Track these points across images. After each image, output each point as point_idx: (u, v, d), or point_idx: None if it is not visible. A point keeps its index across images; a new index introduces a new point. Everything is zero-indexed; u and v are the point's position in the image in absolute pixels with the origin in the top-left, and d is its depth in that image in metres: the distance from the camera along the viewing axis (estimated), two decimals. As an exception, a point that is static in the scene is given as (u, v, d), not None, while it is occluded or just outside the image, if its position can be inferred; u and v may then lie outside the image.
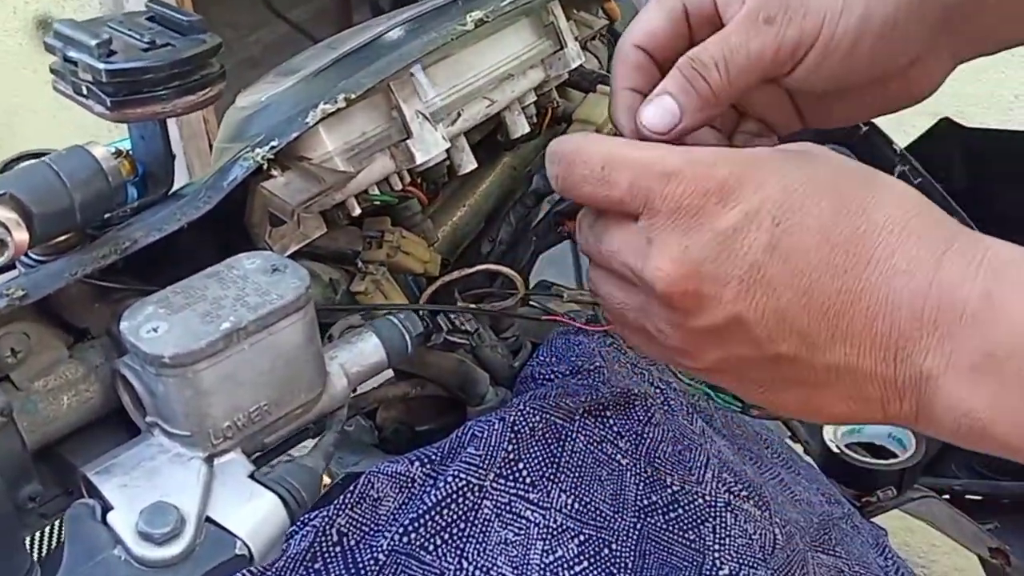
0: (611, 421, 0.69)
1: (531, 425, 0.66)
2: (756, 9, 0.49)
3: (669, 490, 0.67)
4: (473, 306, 0.70)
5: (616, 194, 0.45)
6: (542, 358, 0.77)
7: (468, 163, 0.65)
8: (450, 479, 0.62)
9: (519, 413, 0.67)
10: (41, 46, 0.52)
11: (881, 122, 0.97)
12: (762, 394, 0.47)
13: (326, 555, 0.60)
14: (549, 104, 0.75)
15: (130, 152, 0.54)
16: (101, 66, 0.47)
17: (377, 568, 0.60)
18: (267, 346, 0.47)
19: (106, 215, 0.50)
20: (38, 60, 2.08)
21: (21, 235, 0.44)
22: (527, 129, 0.71)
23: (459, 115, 0.63)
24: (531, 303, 0.86)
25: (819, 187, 0.44)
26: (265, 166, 0.50)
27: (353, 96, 0.53)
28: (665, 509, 0.66)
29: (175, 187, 0.55)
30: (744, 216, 0.43)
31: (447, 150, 0.61)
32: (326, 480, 0.65)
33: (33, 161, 0.48)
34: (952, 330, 0.41)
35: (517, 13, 0.66)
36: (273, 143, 0.50)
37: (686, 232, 0.43)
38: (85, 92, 0.48)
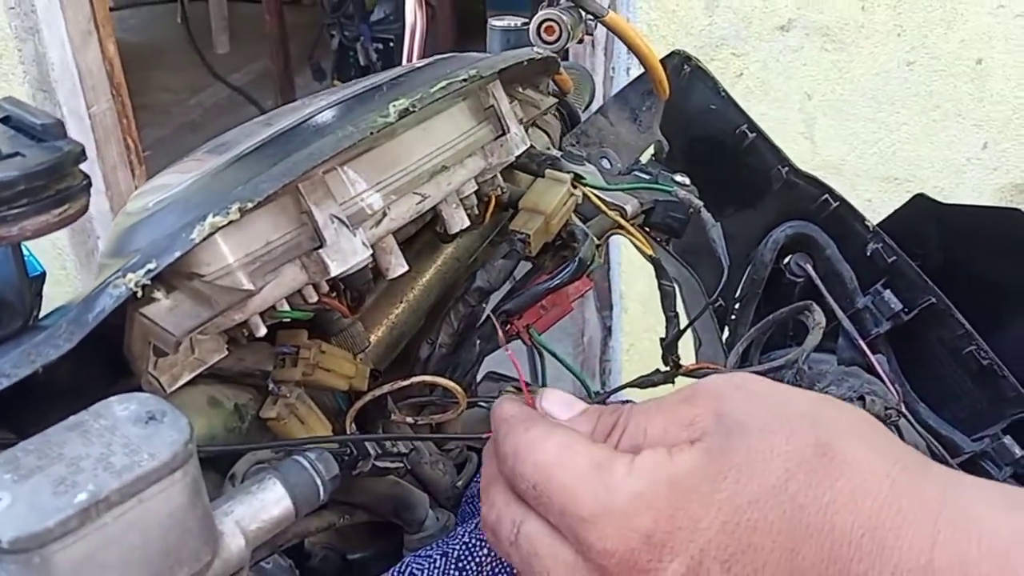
0: None
1: (478, 559, 0.58)
2: None
3: None
4: (410, 433, 0.62)
5: (552, 519, 0.41)
6: (489, 474, 0.69)
7: (398, 266, 0.57)
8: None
9: (464, 546, 0.59)
10: None
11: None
12: None
13: None
14: (492, 191, 0.68)
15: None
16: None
17: None
18: (137, 518, 0.39)
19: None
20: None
21: None
22: (466, 223, 0.63)
23: (384, 215, 0.55)
24: (480, 404, 0.78)
25: (765, 507, 0.37)
26: (139, 293, 0.42)
27: (249, 206, 0.45)
28: None
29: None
30: (688, 570, 0.37)
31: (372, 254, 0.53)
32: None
33: None
34: None
35: (452, 98, 0.59)
36: (150, 265, 0.42)
37: None
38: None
